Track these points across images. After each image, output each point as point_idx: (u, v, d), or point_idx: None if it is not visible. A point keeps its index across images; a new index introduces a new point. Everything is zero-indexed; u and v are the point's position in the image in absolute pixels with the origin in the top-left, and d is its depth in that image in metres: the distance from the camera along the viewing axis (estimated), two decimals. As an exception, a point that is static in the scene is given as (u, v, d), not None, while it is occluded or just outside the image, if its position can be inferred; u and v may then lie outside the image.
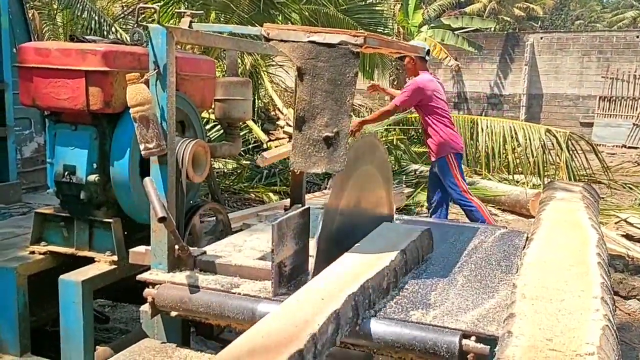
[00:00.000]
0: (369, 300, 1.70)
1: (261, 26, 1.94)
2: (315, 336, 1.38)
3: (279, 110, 10.72)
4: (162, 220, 1.90)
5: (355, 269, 1.79)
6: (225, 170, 8.15)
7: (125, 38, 4.26)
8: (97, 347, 2.60)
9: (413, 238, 2.13)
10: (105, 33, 7.50)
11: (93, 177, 2.53)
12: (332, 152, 1.86)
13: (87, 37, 2.66)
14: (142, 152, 2.01)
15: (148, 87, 2.04)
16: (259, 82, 10.09)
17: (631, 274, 5.14)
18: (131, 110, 1.97)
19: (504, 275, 2.09)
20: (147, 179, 1.99)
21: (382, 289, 1.79)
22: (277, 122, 10.52)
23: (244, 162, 8.59)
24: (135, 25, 2.61)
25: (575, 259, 1.98)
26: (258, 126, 9.84)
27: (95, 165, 2.54)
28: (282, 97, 11.18)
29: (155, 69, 2.04)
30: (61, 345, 2.46)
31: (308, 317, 1.45)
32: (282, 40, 1.89)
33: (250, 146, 9.20)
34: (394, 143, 9.44)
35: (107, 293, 2.96)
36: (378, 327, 1.67)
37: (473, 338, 1.59)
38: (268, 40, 1.91)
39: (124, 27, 8.10)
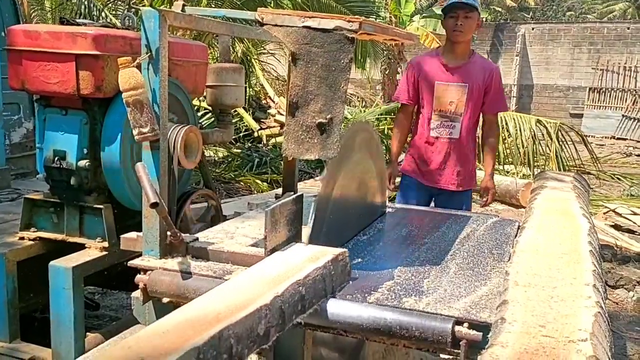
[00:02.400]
0: (228, 355, 1.20)
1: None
2: None
3: (270, 98, 10.68)
4: (154, 206, 1.88)
5: (216, 308, 1.30)
6: (216, 159, 8.12)
7: (116, 23, 4.21)
8: (88, 333, 2.60)
9: (318, 264, 1.65)
10: (95, 18, 7.41)
11: (83, 163, 2.50)
12: (326, 139, 1.85)
13: (78, 20, 2.62)
14: (136, 137, 1.98)
15: (140, 71, 2.01)
16: (251, 70, 10.04)
17: (619, 263, 5.20)
18: (124, 95, 1.94)
19: (496, 263, 2.09)
20: (139, 164, 1.97)
21: (254, 335, 1.30)
22: (268, 111, 10.48)
23: (235, 150, 8.56)
24: (126, 9, 2.57)
25: (567, 247, 1.99)
26: (249, 114, 9.80)
27: (85, 151, 2.52)
28: (273, 86, 11.13)
29: (147, 53, 2.01)
30: (51, 331, 2.44)
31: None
32: (276, 25, 1.87)
33: (241, 134, 9.17)
34: (385, 132, 9.43)
35: (98, 280, 2.94)
36: (370, 313, 1.67)
37: (466, 325, 1.59)
38: (262, 25, 1.88)
39: (114, 12, 8.00)
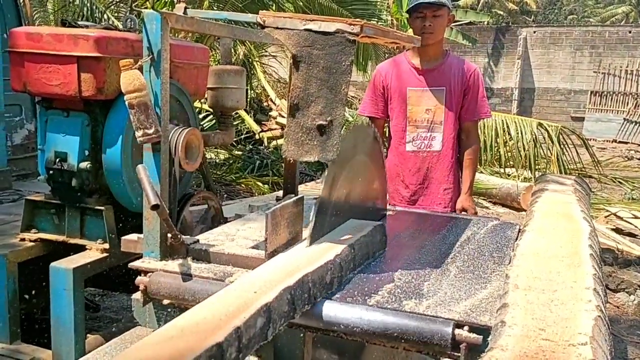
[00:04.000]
0: (308, 295, 1.63)
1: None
2: (239, 329, 1.30)
3: (271, 100, 10.69)
4: (154, 207, 1.88)
5: (297, 262, 1.73)
6: (217, 161, 8.12)
7: (118, 25, 4.22)
8: (88, 335, 2.60)
9: (364, 233, 2.04)
10: (97, 20, 7.42)
11: (85, 164, 2.51)
12: (325, 141, 1.85)
13: (80, 23, 2.62)
14: (141, 139, 1.97)
15: (142, 73, 2.02)
16: (252, 72, 10.05)
17: (620, 267, 5.19)
18: (128, 97, 1.94)
19: (496, 266, 2.09)
20: (140, 166, 1.97)
21: (324, 283, 1.73)
22: (269, 113, 10.49)
23: (236, 152, 8.56)
24: (129, 12, 2.58)
25: (567, 251, 1.99)
26: (250, 117, 9.81)
27: (87, 152, 2.52)
28: (274, 88, 11.14)
29: (149, 55, 2.02)
30: (51, 333, 2.45)
31: (233, 312, 1.36)
32: (277, 28, 1.87)
33: (242, 137, 9.17)
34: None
35: (98, 281, 2.95)
36: (372, 316, 1.67)
37: (466, 328, 1.59)
38: (263, 27, 1.89)
39: (116, 14, 8.01)
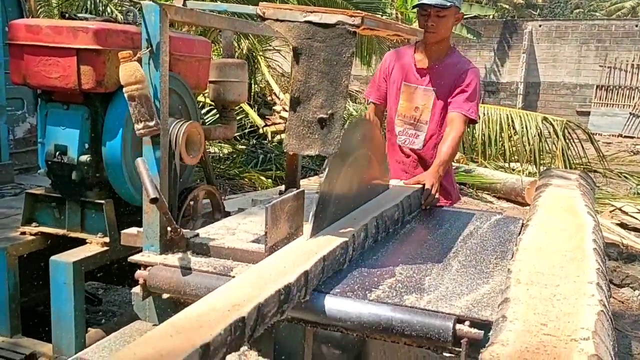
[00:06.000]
0: (385, 225, 2.28)
1: (257, 7, 1.90)
2: (347, 243, 1.91)
3: (275, 95, 10.65)
4: (154, 201, 1.86)
5: (379, 203, 2.40)
6: (221, 155, 8.11)
7: (121, 18, 4.21)
8: (89, 329, 2.59)
9: (409, 193, 2.60)
10: (100, 14, 7.41)
11: (85, 158, 2.50)
12: (327, 134, 1.83)
13: (79, 15, 2.61)
14: (141, 131, 1.96)
15: (141, 65, 2.00)
16: (256, 66, 10.02)
17: (625, 262, 5.17)
18: (128, 89, 1.92)
19: (499, 261, 2.07)
20: (139, 159, 1.95)
21: (394, 219, 2.38)
22: (273, 107, 10.46)
23: (240, 146, 8.54)
24: (132, 5, 2.56)
25: (571, 245, 1.97)
26: (254, 111, 9.78)
27: (87, 146, 2.51)
28: (278, 82, 11.10)
29: (148, 48, 2.00)
30: (52, 326, 2.44)
31: (327, 241, 1.89)
32: (277, 20, 1.85)
33: (246, 131, 9.15)
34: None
35: (100, 275, 2.94)
36: (371, 310, 1.65)
37: (467, 323, 1.57)
38: (263, 19, 1.87)
39: (119, 8, 7.99)
